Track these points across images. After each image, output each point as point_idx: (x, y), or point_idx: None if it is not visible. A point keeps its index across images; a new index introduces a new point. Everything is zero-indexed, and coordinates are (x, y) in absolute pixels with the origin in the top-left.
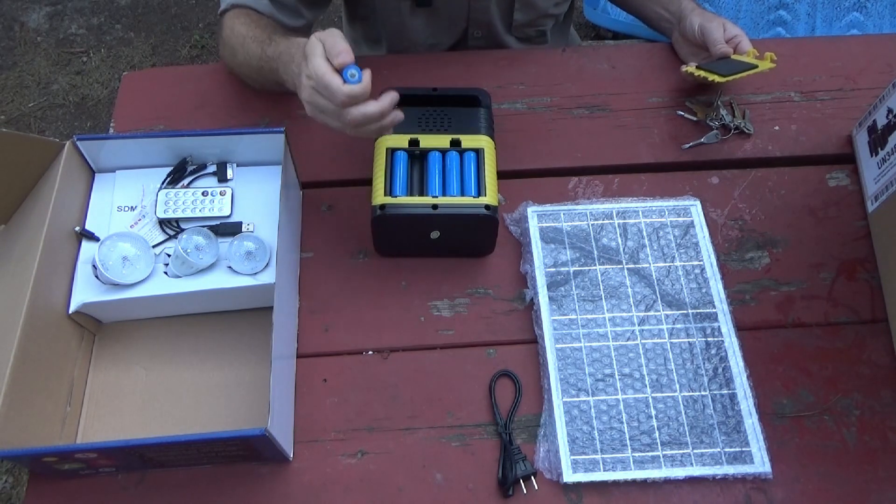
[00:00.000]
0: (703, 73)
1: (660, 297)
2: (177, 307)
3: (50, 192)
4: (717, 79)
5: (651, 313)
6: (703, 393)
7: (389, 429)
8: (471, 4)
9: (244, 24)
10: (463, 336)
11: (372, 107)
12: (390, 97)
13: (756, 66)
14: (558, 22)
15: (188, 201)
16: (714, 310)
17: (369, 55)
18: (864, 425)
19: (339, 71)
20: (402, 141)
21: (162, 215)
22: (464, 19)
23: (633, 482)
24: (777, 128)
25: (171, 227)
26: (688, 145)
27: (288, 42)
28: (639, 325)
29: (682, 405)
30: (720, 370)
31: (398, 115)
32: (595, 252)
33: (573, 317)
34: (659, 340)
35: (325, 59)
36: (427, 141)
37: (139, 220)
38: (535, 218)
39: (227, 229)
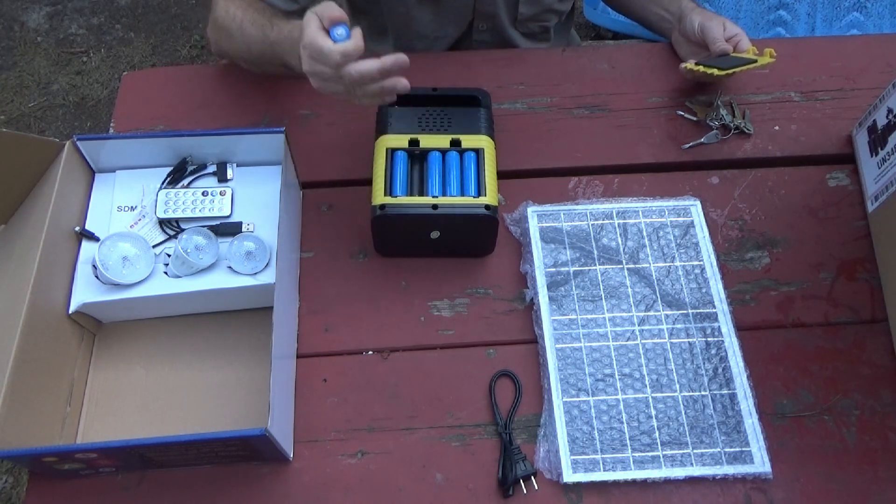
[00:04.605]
0: (702, 69)
1: (660, 297)
2: (177, 307)
3: (50, 192)
4: (716, 73)
5: (651, 313)
6: (703, 393)
7: (389, 429)
8: None
9: (240, 7)
10: (463, 336)
11: (368, 64)
12: (394, 58)
13: (755, 61)
14: (561, 20)
15: (188, 201)
16: (714, 310)
17: (374, 50)
18: (864, 425)
19: (330, 31)
20: (402, 141)
21: (162, 215)
22: (470, 12)
23: (633, 482)
24: (777, 128)
25: (171, 227)
26: (688, 145)
27: (291, 25)
28: (639, 325)
29: (682, 405)
30: (720, 370)
31: (403, 81)
32: (595, 252)
33: (573, 317)
34: (659, 340)
35: (319, 28)
36: (427, 141)
37: (139, 220)
38: (535, 218)
39: (227, 229)
